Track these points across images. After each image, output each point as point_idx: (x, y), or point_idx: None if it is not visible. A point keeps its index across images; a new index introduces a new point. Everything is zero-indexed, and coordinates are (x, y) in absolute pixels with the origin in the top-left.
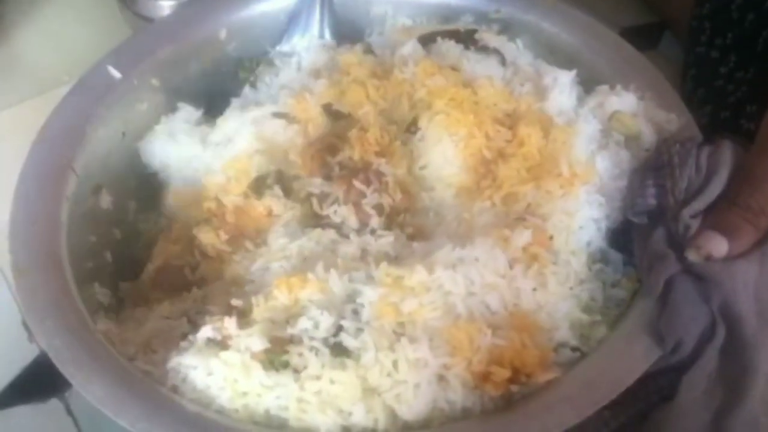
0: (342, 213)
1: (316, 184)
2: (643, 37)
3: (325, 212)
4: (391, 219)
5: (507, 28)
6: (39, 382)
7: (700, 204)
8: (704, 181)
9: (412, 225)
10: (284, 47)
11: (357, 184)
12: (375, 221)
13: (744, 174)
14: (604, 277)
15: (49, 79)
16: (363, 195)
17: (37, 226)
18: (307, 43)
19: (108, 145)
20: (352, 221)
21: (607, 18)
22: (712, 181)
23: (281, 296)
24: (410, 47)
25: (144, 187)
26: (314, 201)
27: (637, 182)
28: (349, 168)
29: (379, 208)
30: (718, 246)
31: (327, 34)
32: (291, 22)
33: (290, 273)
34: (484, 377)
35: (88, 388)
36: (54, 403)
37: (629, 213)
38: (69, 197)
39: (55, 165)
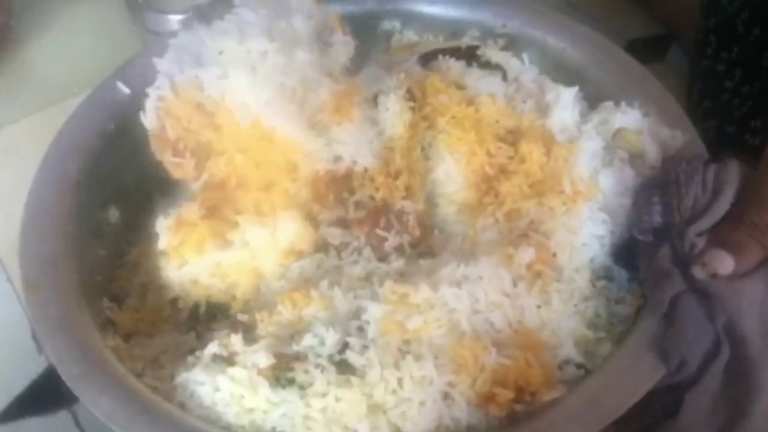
0: (362, 261)
1: (335, 235)
2: (650, 49)
3: (344, 262)
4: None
5: (513, 43)
6: (48, 394)
7: (706, 222)
8: (710, 199)
9: None
10: None
11: (380, 231)
12: (393, 257)
13: (750, 192)
14: (609, 293)
15: (60, 92)
16: (385, 239)
17: (47, 242)
18: None
19: (116, 159)
20: (373, 262)
21: (615, 30)
22: (719, 200)
23: (285, 312)
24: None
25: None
26: (332, 250)
27: (642, 200)
28: (367, 208)
29: (399, 248)
30: (725, 263)
31: None
32: None
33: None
34: (488, 398)
35: (96, 404)
36: (63, 416)
37: (635, 231)
38: (78, 212)
39: (65, 180)
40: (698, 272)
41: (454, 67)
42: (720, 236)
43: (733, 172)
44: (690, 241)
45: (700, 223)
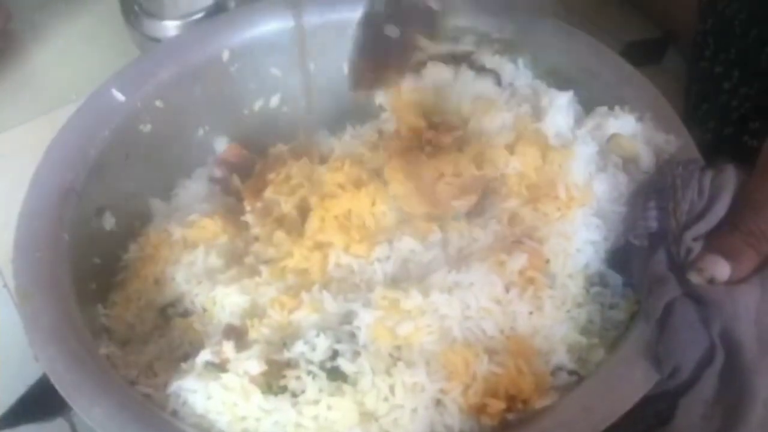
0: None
1: None
2: (647, 51)
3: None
4: None
5: (508, 48)
6: (45, 401)
7: (702, 227)
8: (707, 205)
9: None
10: None
11: None
12: None
13: (746, 198)
14: (603, 299)
15: (57, 98)
16: None
17: (41, 250)
18: None
19: (111, 167)
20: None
21: (611, 33)
22: (715, 205)
23: (275, 315)
24: None
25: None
26: None
27: (639, 204)
28: None
29: None
30: (721, 269)
31: None
32: None
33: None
34: (480, 409)
35: (89, 413)
36: (59, 423)
37: (630, 235)
38: (72, 220)
39: (59, 188)
40: (695, 278)
41: (444, 73)
42: (716, 242)
43: (730, 177)
44: (686, 246)
45: (696, 228)
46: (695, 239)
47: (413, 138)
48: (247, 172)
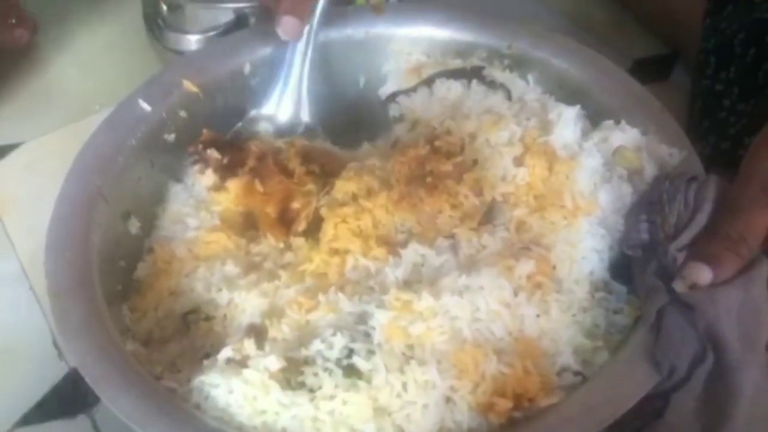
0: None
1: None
2: (655, 68)
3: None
4: None
5: (518, 64)
6: (68, 398)
7: (685, 238)
8: (690, 216)
9: None
10: (264, 109)
11: None
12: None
13: (725, 205)
14: (607, 304)
15: (81, 109)
16: None
17: (71, 252)
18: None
19: (137, 174)
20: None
21: (620, 49)
22: (697, 216)
23: (293, 314)
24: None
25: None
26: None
27: (631, 217)
28: None
29: None
30: (702, 275)
31: (304, 92)
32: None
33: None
34: (488, 407)
35: (117, 404)
36: (81, 419)
37: (624, 246)
38: (100, 224)
39: (88, 193)
40: (679, 286)
41: (454, 88)
42: (697, 249)
43: (711, 187)
44: (672, 256)
45: (680, 239)
46: (679, 250)
47: (417, 167)
48: (220, 145)
